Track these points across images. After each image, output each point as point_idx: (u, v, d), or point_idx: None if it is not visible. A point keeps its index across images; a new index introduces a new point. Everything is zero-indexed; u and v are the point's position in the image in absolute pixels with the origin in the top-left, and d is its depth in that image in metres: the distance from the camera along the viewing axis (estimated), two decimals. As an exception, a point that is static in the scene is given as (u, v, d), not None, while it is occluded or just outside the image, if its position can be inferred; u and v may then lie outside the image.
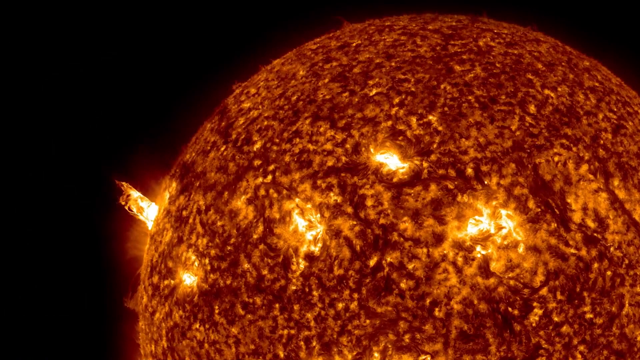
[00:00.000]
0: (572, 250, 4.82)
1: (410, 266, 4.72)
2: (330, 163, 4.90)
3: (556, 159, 4.92)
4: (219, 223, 5.10)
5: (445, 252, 4.71)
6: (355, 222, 4.78)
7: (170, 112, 7.35)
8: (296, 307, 4.84)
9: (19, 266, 7.48)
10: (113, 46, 7.56)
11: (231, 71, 6.22)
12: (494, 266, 4.73)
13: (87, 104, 7.49)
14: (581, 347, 4.85)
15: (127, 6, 7.54)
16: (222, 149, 5.31)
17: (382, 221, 4.75)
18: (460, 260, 4.71)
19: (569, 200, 4.86)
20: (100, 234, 7.03)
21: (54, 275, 7.48)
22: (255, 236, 4.96)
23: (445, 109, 4.95)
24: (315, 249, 4.84)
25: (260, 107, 5.34)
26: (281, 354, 4.89)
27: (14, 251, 7.48)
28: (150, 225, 5.95)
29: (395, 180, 4.81)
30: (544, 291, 4.77)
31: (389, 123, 4.94)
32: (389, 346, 4.74)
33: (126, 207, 5.99)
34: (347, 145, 4.92)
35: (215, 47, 7.53)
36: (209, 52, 7.52)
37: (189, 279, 5.24)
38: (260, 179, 5.03)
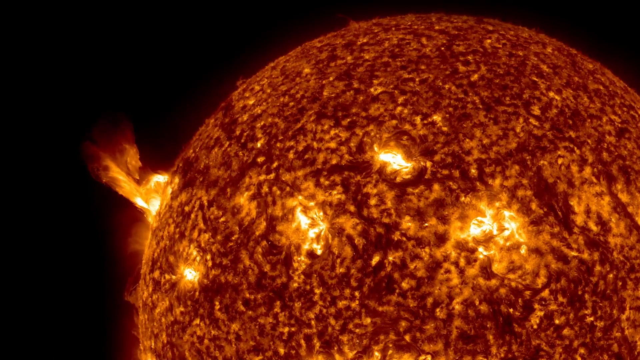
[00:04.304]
0: (574, 253, 4.82)
1: (412, 266, 4.71)
2: (334, 161, 4.90)
3: (560, 161, 4.92)
4: (221, 219, 5.10)
5: (447, 252, 4.71)
6: (358, 221, 4.78)
7: (174, 108, 7.35)
8: (297, 304, 4.83)
9: (19, 261, 7.47)
10: (117, 43, 7.56)
11: (236, 67, 6.22)
12: (496, 267, 4.73)
13: (88, 100, 7.49)
14: (581, 350, 4.85)
15: (134, 2, 7.54)
16: (226, 145, 5.30)
17: (385, 220, 4.75)
18: (462, 260, 4.71)
19: (571, 203, 4.86)
20: (101, 228, 7.02)
21: (55, 269, 7.48)
22: (257, 233, 4.96)
23: (450, 109, 4.95)
24: (318, 247, 4.83)
25: (264, 103, 5.33)
26: (281, 351, 4.89)
27: (13, 246, 7.48)
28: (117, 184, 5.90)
29: (398, 179, 4.81)
30: (545, 293, 4.77)
31: (394, 122, 4.94)
32: (390, 345, 4.74)
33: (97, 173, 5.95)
34: (351, 144, 4.92)
35: (219, 42, 7.53)
36: (213, 48, 7.51)
37: (190, 275, 5.23)
38: (263, 176, 5.02)
